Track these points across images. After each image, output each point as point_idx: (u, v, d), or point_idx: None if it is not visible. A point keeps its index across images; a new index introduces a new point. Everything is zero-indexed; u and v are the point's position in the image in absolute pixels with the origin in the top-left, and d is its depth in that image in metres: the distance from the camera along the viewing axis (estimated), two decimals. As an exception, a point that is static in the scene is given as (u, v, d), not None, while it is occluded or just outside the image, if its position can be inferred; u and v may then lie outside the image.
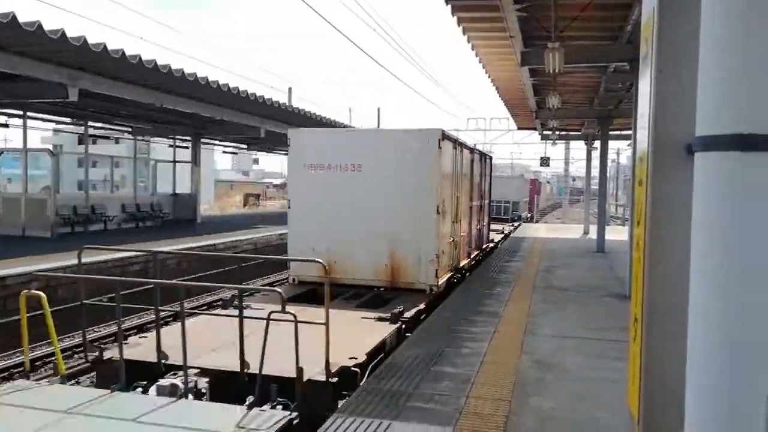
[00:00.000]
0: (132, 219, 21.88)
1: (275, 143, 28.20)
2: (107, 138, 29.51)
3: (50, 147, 27.57)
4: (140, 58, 12.98)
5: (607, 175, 19.75)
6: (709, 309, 1.47)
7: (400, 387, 5.40)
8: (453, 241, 10.66)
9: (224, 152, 35.31)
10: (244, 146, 32.25)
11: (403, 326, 7.45)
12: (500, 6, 8.39)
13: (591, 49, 10.76)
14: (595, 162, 21.87)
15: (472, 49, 11.94)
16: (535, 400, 5.11)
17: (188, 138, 25.06)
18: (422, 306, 8.47)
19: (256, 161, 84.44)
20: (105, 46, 12.02)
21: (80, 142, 30.19)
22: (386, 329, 6.99)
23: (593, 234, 19.05)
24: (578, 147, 39.24)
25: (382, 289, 9.36)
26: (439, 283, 9.30)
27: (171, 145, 25.91)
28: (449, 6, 9.00)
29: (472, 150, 13.05)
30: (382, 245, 9.12)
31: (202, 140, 26.31)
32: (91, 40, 11.69)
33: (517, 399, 5.14)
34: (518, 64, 11.11)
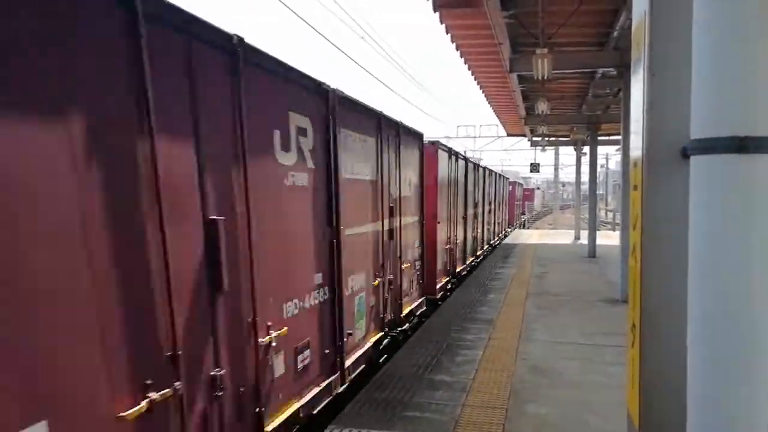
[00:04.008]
0: None
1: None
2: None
3: None
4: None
5: (597, 180, 19.84)
6: (709, 313, 1.45)
7: (396, 396, 5.36)
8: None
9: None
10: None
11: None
12: (488, 13, 8.43)
13: (579, 56, 10.83)
14: (585, 168, 22.01)
15: (461, 56, 11.98)
16: (531, 407, 5.09)
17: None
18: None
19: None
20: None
21: None
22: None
23: (584, 239, 19.13)
24: (568, 152, 39.52)
25: None
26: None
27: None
28: (437, 13, 9.03)
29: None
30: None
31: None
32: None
33: (513, 406, 5.11)
34: (507, 71, 11.16)
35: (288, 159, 4.19)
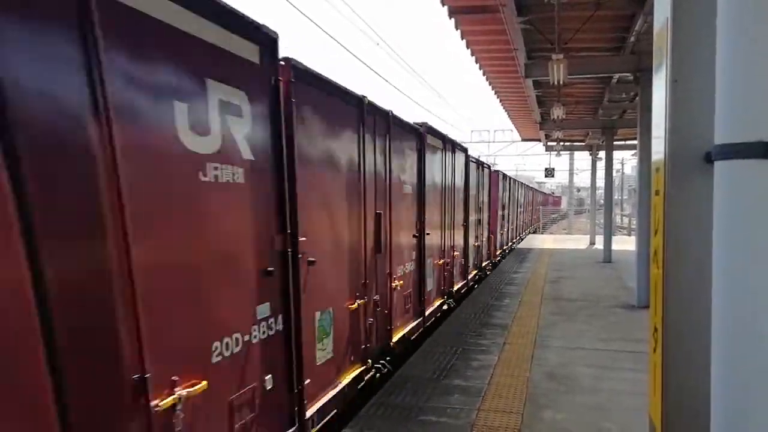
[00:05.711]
0: None
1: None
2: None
3: None
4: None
5: (613, 185, 19.72)
6: (733, 319, 1.45)
7: (411, 400, 5.36)
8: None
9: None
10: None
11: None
12: (504, 19, 8.43)
13: (595, 61, 10.78)
14: (600, 173, 21.84)
15: (476, 62, 11.98)
16: (547, 413, 5.06)
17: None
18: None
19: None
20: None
21: None
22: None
23: (599, 244, 18.98)
24: (583, 157, 39.24)
25: None
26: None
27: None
28: (453, 19, 9.05)
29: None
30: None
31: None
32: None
33: (529, 412, 5.09)
34: (522, 76, 11.15)
35: (405, 179, 7.00)
